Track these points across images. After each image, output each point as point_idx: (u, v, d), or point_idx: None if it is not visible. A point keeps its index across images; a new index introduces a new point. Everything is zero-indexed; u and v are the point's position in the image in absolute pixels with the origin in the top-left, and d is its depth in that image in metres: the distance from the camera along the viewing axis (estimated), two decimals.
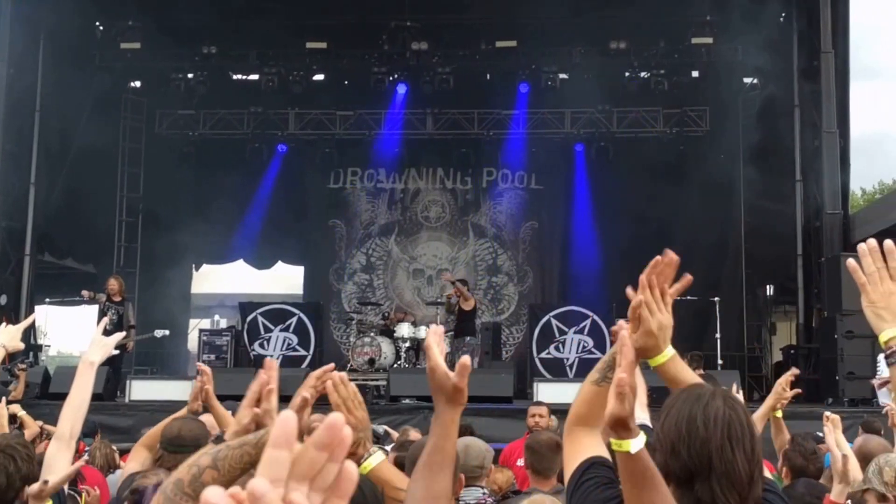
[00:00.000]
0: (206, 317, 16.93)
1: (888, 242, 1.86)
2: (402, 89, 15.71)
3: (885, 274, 1.83)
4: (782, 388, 4.32)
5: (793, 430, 5.22)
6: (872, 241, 1.90)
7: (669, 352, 2.02)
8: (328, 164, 16.66)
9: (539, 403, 7.57)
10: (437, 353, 1.78)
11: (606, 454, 2.05)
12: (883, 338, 1.82)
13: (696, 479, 1.71)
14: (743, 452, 1.72)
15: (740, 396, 4.40)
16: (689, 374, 2.03)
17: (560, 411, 8.37)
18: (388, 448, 5.91)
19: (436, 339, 1.83)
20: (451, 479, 1.83)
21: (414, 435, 7.22)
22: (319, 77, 16.53)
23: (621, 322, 1.79)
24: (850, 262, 1.92)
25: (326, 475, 0.68)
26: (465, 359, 1.78)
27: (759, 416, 4.43)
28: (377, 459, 2.34)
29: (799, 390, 6.09)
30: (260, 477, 0.66)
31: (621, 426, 1.65)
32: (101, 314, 12.43)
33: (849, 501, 3.30)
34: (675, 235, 15.93)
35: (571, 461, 2.09)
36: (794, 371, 4.76)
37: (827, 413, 4.36)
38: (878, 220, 14.92)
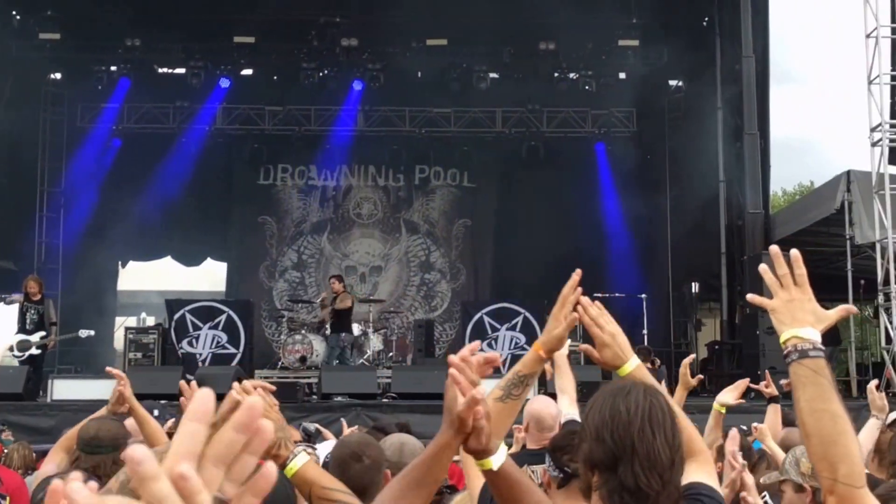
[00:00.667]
0: (133, 314, 16.63)
1: (794, 252, 1.92)
2: (332, 85, 15.67)
3: (788, 281, 1.89)
4: (683, 372, 4.35)
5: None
6: (775, 248, 1.96)
7: (634, 362, 2.12)
8: (257, 160, 16.55)
9: None
10: (457, 373, 1.68)
11: None
12: (782, 339, 1.87)
13: (619, 463, 1.76)
14: (663, 436, 1.78)
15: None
16: (653, 382, 2.10)
17: None
18: (318, 446, 5.94)
19: (466, 357, 1.72)
20: (425, 500, 1.78)
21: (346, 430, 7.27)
22: (248, 72, 16.42)
23: (451, 358, 1.72)
24: (750, 296, 2.06)
25: (244, 467, 0.68)
26: (478, 391, 1.65)
27: None
28: (302, 460, 2.32)
29: (700, 376, 6.50)
30: (174, 449, 0.67)
31: (476, 453, 1.67)
32: (21, 315, 12.13)
33: (765, 494, 3.40)
34: (604, 234, 16.40)
35: (476, 479, 2.11)
36: (691, 356, 4.88)
37: (755, 424, 4.54)
38: (796, 219, 15.57)
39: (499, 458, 1.69)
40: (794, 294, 1.87)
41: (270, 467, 0.69)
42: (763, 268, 1.95)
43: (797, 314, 1.86)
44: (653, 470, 1.75)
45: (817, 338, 1.84)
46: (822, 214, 14.38)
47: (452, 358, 1.70)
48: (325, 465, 2.98)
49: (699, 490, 1.99)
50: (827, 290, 17.50)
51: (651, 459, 1.75)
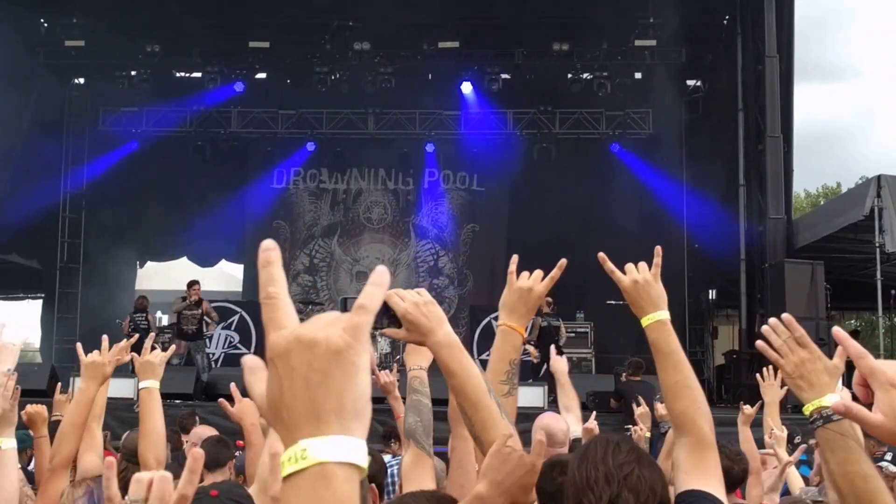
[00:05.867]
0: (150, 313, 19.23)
1: (786, 316, 2.16)
2: (344, 89, 17.84)
3: (793, 345, 2.08)
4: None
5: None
6: (774, 320, 2.18)
7: (655, 317, 2.40)
8: (270, 163, 19.04)
9: None
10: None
11: None
12: (806, 410, 2.03)
13: None
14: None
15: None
16: (668, 347, 2.35)
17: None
18: None
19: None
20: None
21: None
22: (262, 76, 18.92)
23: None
24: (759, 343, 2.19)
25: None
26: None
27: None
28: None
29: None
30: None
31: None
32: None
33: None
34: (618, 238, 17.99)
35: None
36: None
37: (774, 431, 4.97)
38: (821, 225, 16.91)
39: None
40: (803, 355, 2.06)
41: None
42: (766, 329, 2.17)
43: (813, 379, 2.03)
44: None
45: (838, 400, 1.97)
46: (850, 220, 15.65)
47: None
48: None
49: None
50: (852, 297, 18.93)
51: None
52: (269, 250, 1.00)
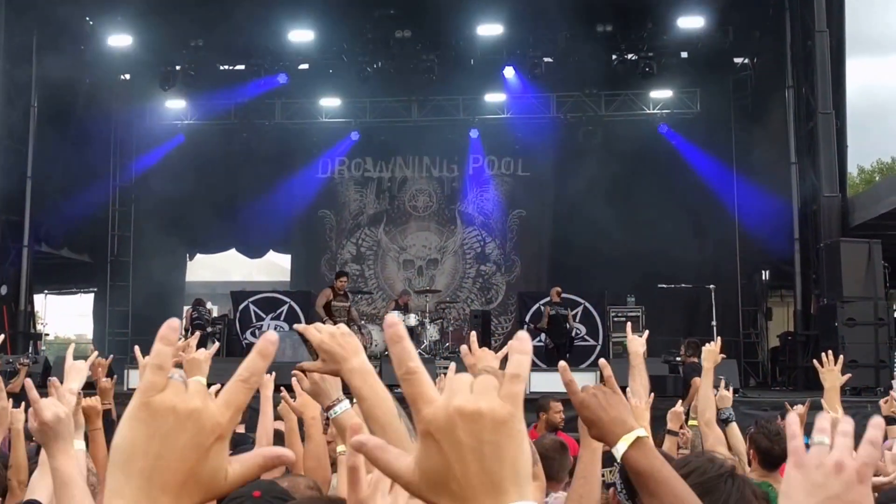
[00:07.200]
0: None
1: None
2: (386, 77, 18.13)
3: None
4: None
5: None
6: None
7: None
8: (315, 152, 19.35)
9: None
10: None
11: None
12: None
13: None
14: None
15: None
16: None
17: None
18: None
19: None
20: None
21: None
22: (304, 66, 19.19)
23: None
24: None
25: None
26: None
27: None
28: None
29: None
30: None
31: None
32: None
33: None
34: (667, 219, 18.11)
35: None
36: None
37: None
38: (877, 203, 16.74)
39: None
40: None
41: None
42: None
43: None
44: None
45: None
46: None
47: None
48: None
49: None
50: None
51: None
52: (396, 325, 1.03)
